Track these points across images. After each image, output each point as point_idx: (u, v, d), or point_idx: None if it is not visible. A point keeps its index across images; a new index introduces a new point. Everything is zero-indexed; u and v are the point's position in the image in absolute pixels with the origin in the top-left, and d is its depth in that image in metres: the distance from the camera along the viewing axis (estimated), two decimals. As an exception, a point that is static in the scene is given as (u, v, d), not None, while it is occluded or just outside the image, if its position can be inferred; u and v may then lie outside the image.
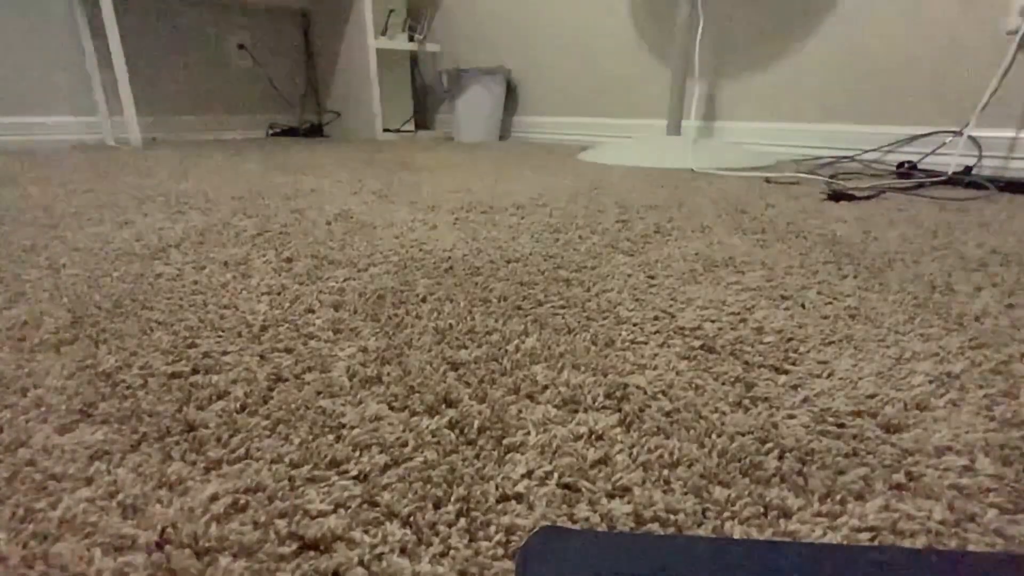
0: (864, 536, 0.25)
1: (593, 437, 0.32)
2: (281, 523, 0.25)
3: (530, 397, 0.36)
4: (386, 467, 0.29)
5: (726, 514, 0.26)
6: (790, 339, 0.45)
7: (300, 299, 0.54)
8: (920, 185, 1.25)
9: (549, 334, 0.46)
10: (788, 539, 0.25)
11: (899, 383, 0.38)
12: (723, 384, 0.38)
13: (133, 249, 0.71)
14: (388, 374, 0.39)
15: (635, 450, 0.31)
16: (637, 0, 2.15)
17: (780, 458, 0.30)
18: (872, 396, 0.37)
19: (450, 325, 0.48)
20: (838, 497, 0.27)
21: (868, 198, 1.09)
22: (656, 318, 0.50)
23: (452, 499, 0.27)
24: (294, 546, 0.24)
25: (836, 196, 1.07)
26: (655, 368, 0.40)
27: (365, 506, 0.26)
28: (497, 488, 0.28)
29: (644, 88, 2.20)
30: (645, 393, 0.37)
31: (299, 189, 1.18)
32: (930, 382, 0.38)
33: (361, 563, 0.23)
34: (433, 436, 0.32)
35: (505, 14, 2.63)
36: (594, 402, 0.36)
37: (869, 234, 0.80)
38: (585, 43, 2.36)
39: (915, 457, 0.30)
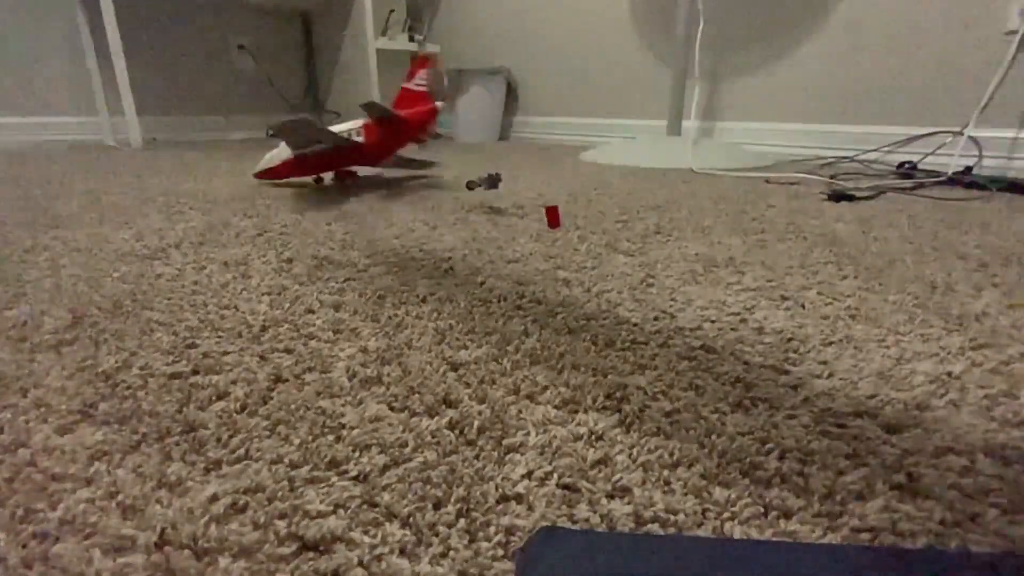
0: (864, 536, 0.25)
1: (593, 437, 0.32)
2: (281, 524, 0.25)
3: (530, 397, 0.36)
4: (386, 468, 0.29)
5: (726, 515, 0.26)
6: (790, 339, 0.45)
7: (300, 299, 0.54)
8: (920, 185, 1.25)
9: (549, 334, 0.46)
10: (788, 539, 0.25)
11: (899, 383, 0.38)
12: (723, 384, 0.38)
13: (133, 249, 0.71)
14: (388, 374, 0.39)
15: (635, 450, 0.31)
16: (637, 0, 2.15)
17: (780, 459, 0.30)
18: (872, 396, 0.37)
19: (450, 325, 0.48)
20: (838, 497, 0.27)
21: (868, 198, 1.09)
22: (656, 318, 0.50)
23: (452, 500, 0.27)
24: (294, 547, 0.24)
25: (836, 196, 1.07)
26: (655, 368, 0.40)
27: (365, 507, 0.26)
28: (497, 488, 0.28)
29: (644, 88, 2.20)
30: (645, 393, 0.37)
31: (299, 189, 1.18)
32: (930, 382, 0.38)
33: (361, 564, 0.23)
34: (433, 437, 0.32)
35: (505, 14, 2.63)
36: (594, 402, 0.36)
37: (869, 234, 0.80)
38: (585, 43, 2.36)
39: (915, 457, 0.30)
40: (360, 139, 1.06)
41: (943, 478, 0.29)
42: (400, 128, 1.11)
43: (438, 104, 1.14)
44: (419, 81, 1.12)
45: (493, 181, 0.97)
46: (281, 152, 1.09)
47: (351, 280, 0.60)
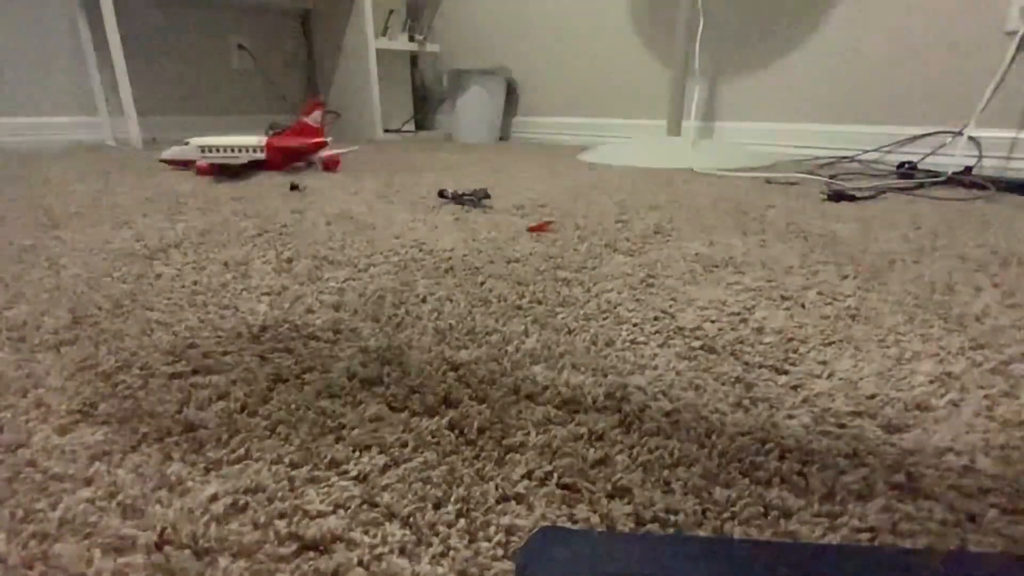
0: (864, 536, 0.25)
1: (593, 437, 0.32)
2: (281, 524, 0.25)
3: (530, 397, 0.36)
4: (386, 468, 0.29)
5: (726, 515, 0.26)
6: (790, 339, 0.45)
7: (300, 299, 0.54)
8: (920, 185, 1.25)
9: (549, 334, 0.46)
10: (788, 539, 0.25)
11: (899, 383, 0.38)
12: (723, 384, 0.38)
13: (133, 249, 0.71)
14: (388, 374, 0.39)
15: (635, 450, 0.31)
16: (637, 0, 2.15)
17: (780, 459, 0.30)
18: (872, 396, 0.37)
19: (450, 325, 0.48)
20: (838, 498, 0.27)
21: (868, 198, 1.09)
22: (656, 318, 0.50)
23: (452, 500, 0.27)
24: (294, 547, 0.24)
25: (836, 196, 1.07)
26: (655, 368, 0.40)
27: (365, 507, 0.26)
28: (497, 488, 0.28)
29: (644, 88, 2.20)
30: (645, 393, 0.37)
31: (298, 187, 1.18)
32: (930, 382, 0.38)
33: (361, 564, 0.23)
34: (433, 437, 0.32)
35: (505, 14, 2.63)
36: (594, 402, 0.36)
37: (869, 234, 0.80)
38: (585, 43, 2.36)
39: (915, 457, 0.30)
40: (262, 156, 1.45)
41: (943, 478, 0.29)
42: (295, 151, 1.52)
43: (328, 139, 1.56)
44: (315, 118, 1.55)
45: (478, 197, 1.02)
46: (188, 149, 1.44)
47: (351, 280, 0.60)
